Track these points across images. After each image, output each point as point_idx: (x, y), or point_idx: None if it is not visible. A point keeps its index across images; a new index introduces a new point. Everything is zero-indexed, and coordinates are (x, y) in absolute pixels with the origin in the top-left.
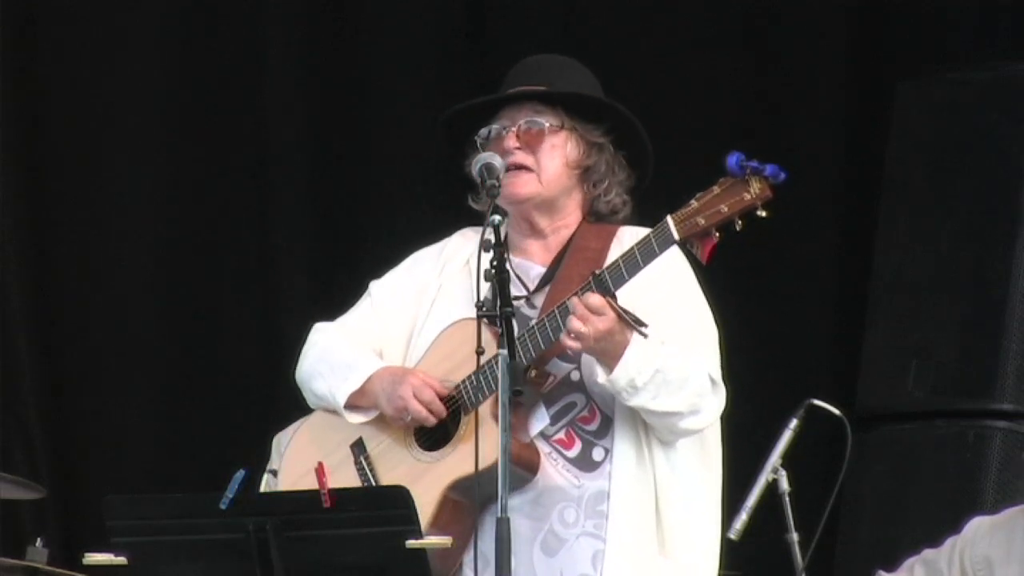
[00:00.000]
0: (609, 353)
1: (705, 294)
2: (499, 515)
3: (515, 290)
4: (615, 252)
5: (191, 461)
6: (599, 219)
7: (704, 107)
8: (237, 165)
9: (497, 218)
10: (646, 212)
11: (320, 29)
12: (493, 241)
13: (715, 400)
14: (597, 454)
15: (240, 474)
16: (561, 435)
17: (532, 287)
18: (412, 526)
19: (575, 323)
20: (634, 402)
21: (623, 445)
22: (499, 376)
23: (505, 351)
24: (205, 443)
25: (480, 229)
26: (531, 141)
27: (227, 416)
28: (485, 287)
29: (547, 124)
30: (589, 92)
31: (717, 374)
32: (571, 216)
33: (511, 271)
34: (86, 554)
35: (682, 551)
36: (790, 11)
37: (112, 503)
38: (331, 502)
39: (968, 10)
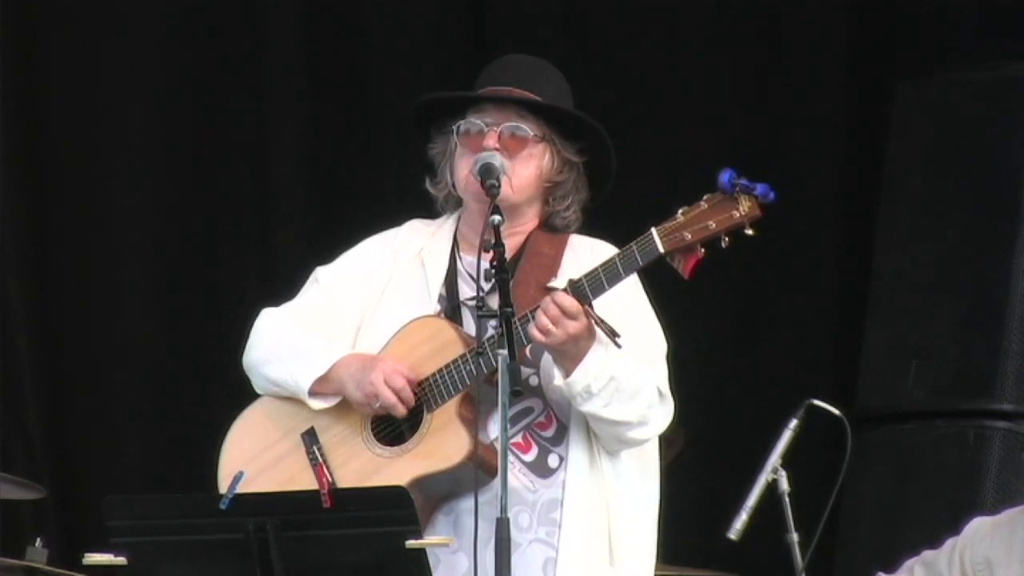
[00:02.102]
0: (570, 356)
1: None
2: (499, 515)
3: (469, 289)
4: (568, 259)
5: (191, 461)
6: (551, 230)
7: (704, 107)
8: (237, 165)
9: (498, 218)
10: (644, 211)
11: (320, 29)
12: (493, 241)
13: (662, 413)
14: (552, 461)
15: (240, 474)
16: (519, 439)
17: (487, 287)
18: (412, 526)
19: (545, 321)
20: (587, 407)
21: (577, 453)
22: (498, 376)
23: (505, 351)
24: (205, 443)
25: (430, 222)
26: (511, 146)
27: (227, 416)
28: (439, 285)
29: (531, 133)
30: (571, 106)
31: (665, 387)
32: (529, 224)
33: (463, 269)
34: (86, 554)
35: (627, 559)
36: (790, 11)
37: (112, 503)
38: (331, 502)
39: (968, 10)
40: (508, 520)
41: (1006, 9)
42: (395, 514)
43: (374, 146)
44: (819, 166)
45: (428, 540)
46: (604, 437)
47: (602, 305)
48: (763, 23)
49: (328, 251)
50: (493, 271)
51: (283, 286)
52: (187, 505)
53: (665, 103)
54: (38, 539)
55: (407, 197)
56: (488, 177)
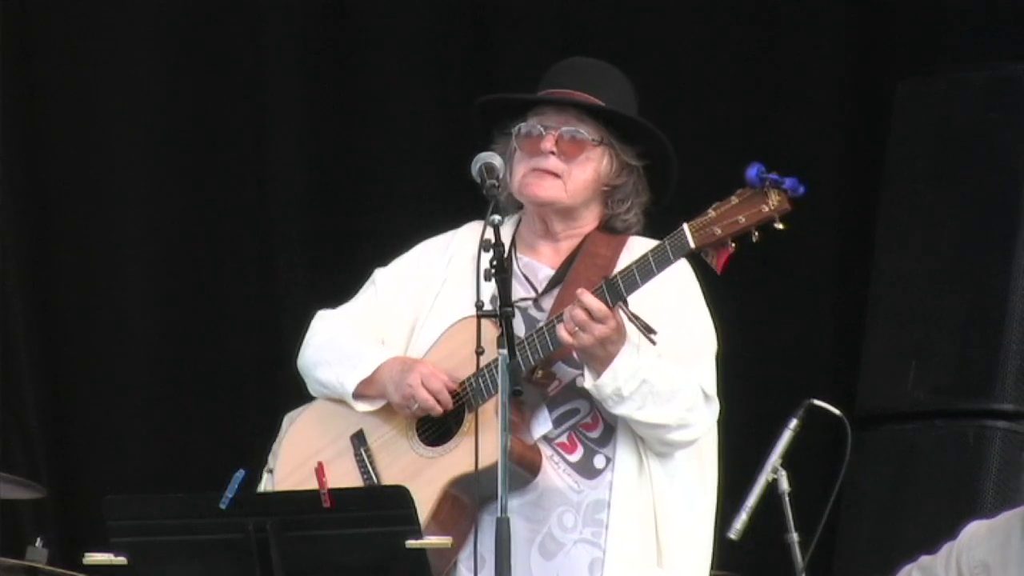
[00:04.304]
0: (599, 358)
1: (707, 298)
2: (499, 515)
3: (523, 291)
4: (625, 260)
5: (191, 461)
6: (611, 232)
7: (704, 107)
8: (237, 164)
9: (497, 218)
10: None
11: (320, 29)
12: (493, 241)
13: (707, 414)
14: (599, 462)
15: (240, 474)
16: (563, 439)
17: (541, 288)
18: (412, 526)
19: (571, 324)
20: (619, 410)
21: (624, 454)
22: (499, 376)
23: (505, 351)
24: (205, 443)
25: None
26: (568, 150)
27: (227, 416)
28: (488, 286)
29: (589, 138)
30: (634, 111)
31: (711, 388)
32: (587, 226)
33: (519, 270)
34: (86, 554)
35: (678, 562)
36: (789, 11)
37: (112, 503)
38: (331, 502)
39: (968, 10)
40: (507, 520)
41: (1006, 9)
42: (395, 514)
43: (374, 147)
44: (819, 166)
45: (428, 540)
46: (646, 439)
47: (654, 302)
48: (763, 23)
49: (328, 251)
50: (493, 271)
51: (282, 284)
52: (187, 505)
53: (665, 103)
54: (38, 539)
55: (407, 197)
56: (488, 177)
